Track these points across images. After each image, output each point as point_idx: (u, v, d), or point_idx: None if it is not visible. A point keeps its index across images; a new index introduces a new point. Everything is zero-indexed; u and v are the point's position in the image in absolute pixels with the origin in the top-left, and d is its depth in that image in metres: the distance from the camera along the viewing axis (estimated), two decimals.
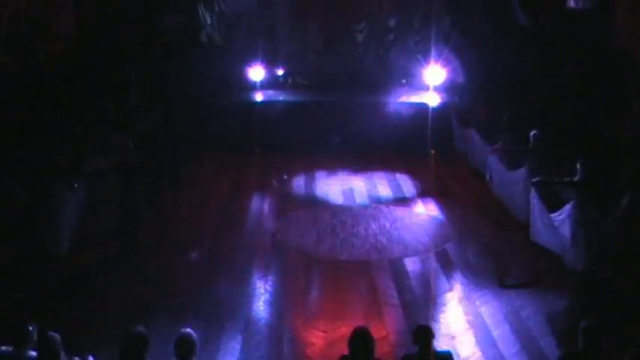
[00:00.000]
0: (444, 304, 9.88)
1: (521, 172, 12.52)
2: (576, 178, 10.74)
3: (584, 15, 13.76)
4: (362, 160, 16.90)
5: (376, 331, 6.46)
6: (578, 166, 10.77)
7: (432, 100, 18.62)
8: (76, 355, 6.33)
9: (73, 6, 16.91)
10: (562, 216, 10.75)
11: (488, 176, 14.04)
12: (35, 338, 6.24)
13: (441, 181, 15.64)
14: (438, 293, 10.20)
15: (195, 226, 12.72)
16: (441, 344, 7.90)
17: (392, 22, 20.29)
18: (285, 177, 15.70)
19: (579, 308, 9.66)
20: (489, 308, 9.67)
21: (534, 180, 11.67)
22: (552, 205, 11.22)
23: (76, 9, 16.98)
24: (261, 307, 9.80)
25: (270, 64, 19.81)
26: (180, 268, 10.95)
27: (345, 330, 6.63)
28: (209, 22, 19.98)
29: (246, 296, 10.02)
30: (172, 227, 12.64)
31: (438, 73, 19.29)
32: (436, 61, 19.55)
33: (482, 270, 10.92)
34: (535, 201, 11.54)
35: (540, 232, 11.43)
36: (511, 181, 12.90)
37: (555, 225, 10.91)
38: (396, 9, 20.22)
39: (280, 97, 19.15)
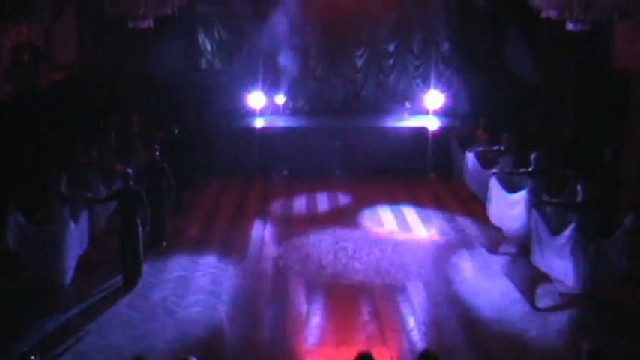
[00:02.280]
0: (447, 329, 9.84)
1: (522, 195, 12.55)
2: (577, 200, 10.75)
3: (583, 38, 13.83)
4: (362, 184, 16.96)
5: (379, 356, 6.43)
6: (579, 187, 10.78)
7: (432, 124, 18.73)
8: None
9: (74, 35, 17.03)
10: (563, 239, 10.76)
11: (487, 200, 14.01)
12: None
13: (441, 204, 15.67)
14: (441, 318, 10.16)
15: (198, 252, 12.72)
16: None
17: (391, 47, 20.45)
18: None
19: (582, 331, 9.64)
20: (492, 332, 9.65)
21: (536, 202, 11.68)
22: (553, 226, 11.25)
23: (77, 38, 17.11)
24: (264, 332, 9.78)
25: (270, 90, 19.92)
26: (183, 293, 10.92)
27: (348, 355, 6.60)
28: (209, 49, 20.15)
29: (248, 321, 9.99)
30: (175, 253, 12.64)
31: (437, 97, 19.44)
32: (435, 86, 19.73)
33: (485, 294, 10.91)
34: (536, 223, 11.51)
35: (541, 255, 11.39)
36: (511, 204, 12.89)
37: (556, 247, 10.90)
38: (396, 34, 20.39)
39: (280, 122, 19.25)
